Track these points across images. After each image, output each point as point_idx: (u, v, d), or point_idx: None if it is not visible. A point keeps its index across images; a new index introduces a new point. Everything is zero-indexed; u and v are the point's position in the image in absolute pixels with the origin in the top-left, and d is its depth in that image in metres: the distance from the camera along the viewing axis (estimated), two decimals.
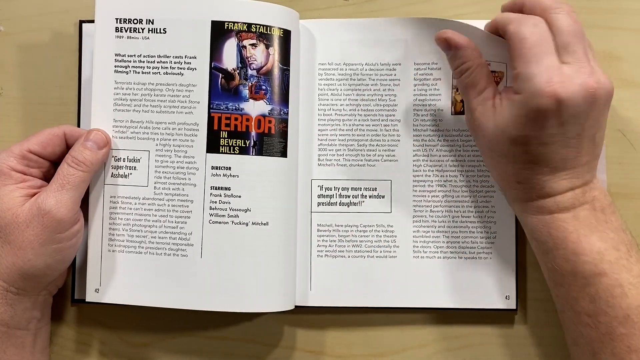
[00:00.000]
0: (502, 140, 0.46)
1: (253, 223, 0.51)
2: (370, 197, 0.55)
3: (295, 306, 0.54)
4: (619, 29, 0.56)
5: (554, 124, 0.44)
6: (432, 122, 0.55)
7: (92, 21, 0.52)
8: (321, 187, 0.55)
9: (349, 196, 0.55)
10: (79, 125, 0.55)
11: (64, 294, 0.54)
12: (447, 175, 0.55)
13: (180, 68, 0.52)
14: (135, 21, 0.52)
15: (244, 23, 0.51)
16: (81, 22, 0.56)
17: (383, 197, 0.55)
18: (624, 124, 0.56)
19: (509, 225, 0.54)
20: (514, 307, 0.54)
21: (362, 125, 0.55)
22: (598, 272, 0.45)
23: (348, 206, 0.55)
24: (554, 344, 0.55)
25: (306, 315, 0.56)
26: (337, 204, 0.55)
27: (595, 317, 0.45)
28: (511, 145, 0.46)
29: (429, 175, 0.55)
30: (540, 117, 0.44)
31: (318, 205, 0.55)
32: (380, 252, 0.55)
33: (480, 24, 0.54)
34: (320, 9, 0.57)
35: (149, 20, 0.52)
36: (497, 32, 0.49)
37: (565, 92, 0.43)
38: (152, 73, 0.52)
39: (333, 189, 0.55)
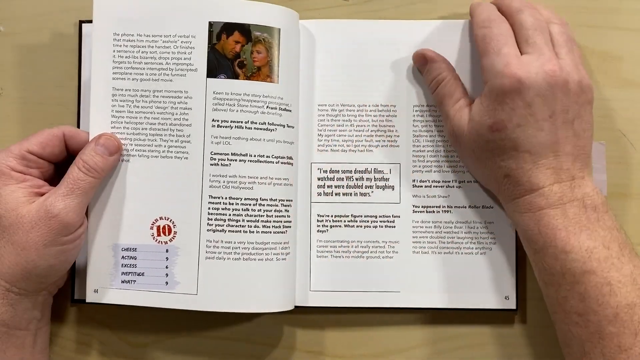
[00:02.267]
0: (481, 133, 0.48)
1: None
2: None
3: (295, 306, 0.54)
4: (619, 29, 0.56)
5: (521, 104, 0.46)
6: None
7: (92, 21, 0.52)
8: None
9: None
10: (78, 126, 0.55)
11: (63, 294, 0.54)
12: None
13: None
14: None
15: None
16: (81, 22, 0.56)
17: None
18: (624, 124, 0.56)
19: (508, 223, 0.54)
20: (514, 308, 0.54)
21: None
22: (586, 270, 0.45)
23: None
24: (554, 344, 0.55)
25: (306, 315, 0.56)
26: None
27: (585, 315, 0.45)
28: (490, 135, 0.47)
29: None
30: (505, 97, 0.46)
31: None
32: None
33: None
34: (320, 9, 0.57)
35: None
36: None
37: (522, 73, 0.46)
38: None
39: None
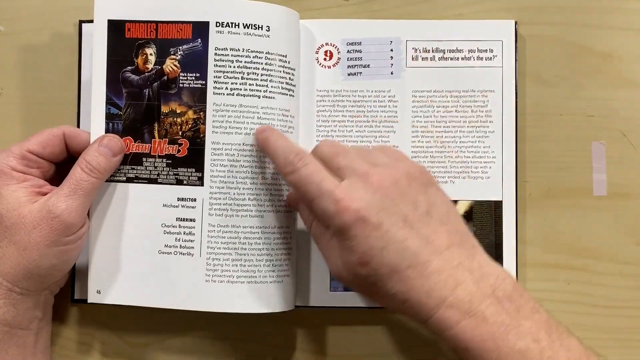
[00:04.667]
0: (356, 272, 0.43)
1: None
2: None
3: (296, 306, 0.54)
4: (619, 29, 0.56)
5: (370, 229, 0.42)
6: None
7: (92, 21, 0.52)
8: None
9: None
10: (78, 126, 0.55)
11: (64, 294, 0.54)
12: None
13: None
14: None
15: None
16: (81, 22, 0.56)
17: None
18: (624, 124, 0.56)
19: (509, 224, 0.54)
20: None
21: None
22: None
23: None
24: None
25: (306, 315, 0.56)
26: None
27: None
28: (363, 270, 0.43)
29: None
30: (353, 232, 0.42)
31: None
32: None
33: (481, 24, 0.55)
34: (320, 9, 0.57)
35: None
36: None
37: (353, 202, 0.42)
38: None
39: None
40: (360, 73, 0.56)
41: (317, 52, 0.55)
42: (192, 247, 0.51)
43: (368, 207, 0.42)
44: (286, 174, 0.46)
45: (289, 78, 0.53)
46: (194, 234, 0.51)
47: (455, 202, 0.54)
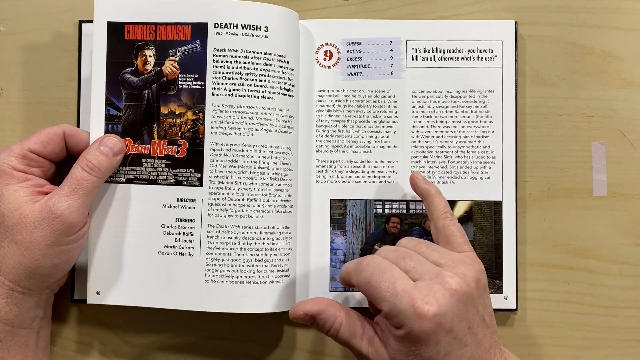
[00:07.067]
0: None
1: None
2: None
3: None
4: (619, 29, 0.56)
5: (442, 334, 0.43)
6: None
7: (92, 21, 0.52)
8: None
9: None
10: (78, 126, 0.55)
11: (63, 294, 0.55)
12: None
13: None
14: None
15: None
16: (81, 22, 0.56)
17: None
18: (624, 124, 0.56)
19: (509, 224, 0.54)
20: (514, 307, 0.54)
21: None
22: None
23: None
24: (554, 344, 0.55)
25: None
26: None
27: None
28: None
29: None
30: (428, 337, 0.42)
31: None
32: None
33: (480, 24, 0.55)
34: (320, 9, 0.57)
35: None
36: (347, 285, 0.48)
37: (432, 305, 0.42)
38: None
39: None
40: (360, 73, 0.56)
41: (317, 52, 0.56)
42: (192, 248, 0.51)
43: (446, 313, 0.43)
44: (358, 273, 0.45)
45: (288, 78, 0.53)
46: (193, 235, 0.51)
47: (455, 202, 0.54)
